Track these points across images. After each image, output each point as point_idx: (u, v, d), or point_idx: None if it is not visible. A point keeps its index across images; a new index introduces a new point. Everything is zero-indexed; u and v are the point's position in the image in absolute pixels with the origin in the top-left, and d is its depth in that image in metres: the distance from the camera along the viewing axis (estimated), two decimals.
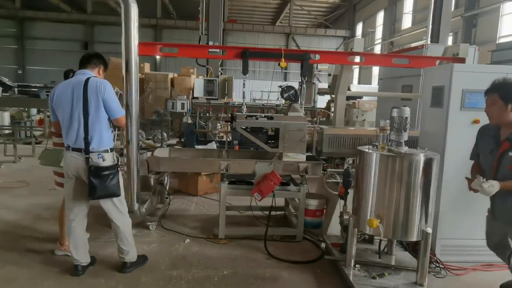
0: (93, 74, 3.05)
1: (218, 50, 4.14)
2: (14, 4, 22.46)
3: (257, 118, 4.11)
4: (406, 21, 19.60)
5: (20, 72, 23.17)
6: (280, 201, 4.45)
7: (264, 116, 4.14)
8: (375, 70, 20.48)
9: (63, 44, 24.18)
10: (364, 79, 23.21)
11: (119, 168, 3.05)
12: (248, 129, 4.12)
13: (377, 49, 22.01)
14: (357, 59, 4.25)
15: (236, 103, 7.97)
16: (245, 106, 4.44)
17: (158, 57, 24.39)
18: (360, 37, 23.71)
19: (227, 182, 3.96)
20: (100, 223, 4.34)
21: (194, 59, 8.54)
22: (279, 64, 4.09)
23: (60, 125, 3.02)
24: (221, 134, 9.34)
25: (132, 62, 3.51)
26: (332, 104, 8.24)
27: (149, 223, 4.17)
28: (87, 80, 2.90)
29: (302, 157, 4.11)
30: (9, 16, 22.50)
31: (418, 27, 17.44)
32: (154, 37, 24.84)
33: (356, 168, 3.16)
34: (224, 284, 3.11)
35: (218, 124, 8.49)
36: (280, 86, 4.41)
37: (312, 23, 27.93)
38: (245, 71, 4.09)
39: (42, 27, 23.81)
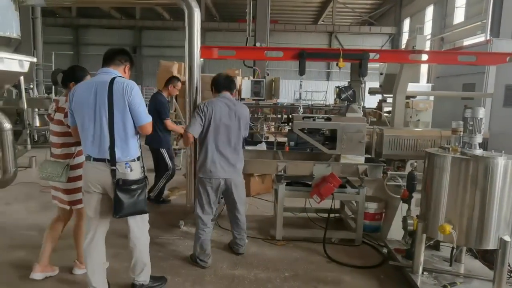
0: (118, 73, 2.66)
1: (275, 52, 4.14)
2: (70, 13, 23.95)
3: (314, 120, 4.07)
4: (458, 16, 18.58)
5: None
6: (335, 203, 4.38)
7: (322, 117, 4.09)
8: (423, 67, 19.60)
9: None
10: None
11: (147, 181, 2.72)
12: (305, 131, 4.09)
13: (427, 46, 21.05)
14: (420, 57, 4.09)
15: (285, 104, 7.95)
16: (301, 108, 4.41)
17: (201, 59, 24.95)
18: (408, 33, 22.83)
19: (285, 184, 3.95)
20: (161, 220, 4.52)
21: (239, 60, 8.64)
22: (337, 64, 4.03)
23: (79, 131, 2.65)
24: (267, 135, 9.39)
25: (195, 65, 3.60)
26: (384, 104, 8.00)
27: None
28: (112, 80, 2.52)
29: (360, 159, 4.02)
30: (66, 25, 24.04)
31: (472, 21, 16.47)
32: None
33: (424, 171, 3.03)
34: (287, 286, 3.11)
35: (265, 127, 8.53)
36: (338, 87, 4.34)
37: (355, 21, 27.28)
38: (302, 72, 4.07)
39: (95, 33, 25.18)
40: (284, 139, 8.32)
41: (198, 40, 3.58)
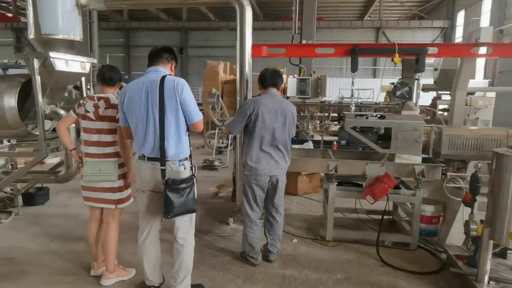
0: (167, 71, 2.64)
1: (326, 48, 4.05)
2: (122, 17, 25.13)
3: (367, 117, 3.93)
4: None
5: (126, 77, 25.89)
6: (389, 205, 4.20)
7: (375, 115, 3.94)
8: (479, 62, 18.33)
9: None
10: None
11: (195, 179, 2.68)
12: (357, 129, 3.96)
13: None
14: (483, 50, 3.81)
15: (332, 102, 7.78)
16: (353, 105, 4.28)
17: None
18: (462, 27, 21.50)
19: (336, 184, 3.86)
20: (210, 217, 4.60)
21: (285, 58, 8.57)
22: (392, 60, 3.85)
23: (132, 131, 2.65)
24: (312, 134, 9.26)
25: (246, 64, 3.60)
26: (438, 102, 7.59)
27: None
28: (162, 78, 2.50)
29: (417, 158, 3.83)
30: (118, 28, 25.25)
31: None
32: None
33: (491, 172, 2.81)
34: None
35: (310, 125, 8.40)
36: (392, 83, 4.15)
37: (404, 15, 26.14)
38: (354, 68, 3.94)
39: (144, 35, 26.24)
40: (331, 138, 8.16)
41: (249, 38, 3.58)
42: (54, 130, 3.91)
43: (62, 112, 3.86)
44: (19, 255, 3.51)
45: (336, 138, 7.53)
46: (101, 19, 21.95)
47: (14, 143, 4.39)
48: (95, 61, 4.10)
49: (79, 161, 2.99)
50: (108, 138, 2.94)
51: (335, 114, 8.78)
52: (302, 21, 9.94)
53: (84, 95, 4.27)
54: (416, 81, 4.14)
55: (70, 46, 3.74)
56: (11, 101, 3.57)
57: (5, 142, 4.32)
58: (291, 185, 5.63)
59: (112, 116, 2.92)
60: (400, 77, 4.17)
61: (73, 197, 5.23)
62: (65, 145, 3.29)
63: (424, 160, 3.89)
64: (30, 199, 4.70)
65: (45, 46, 3.56)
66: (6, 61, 15.69)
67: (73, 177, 3.98)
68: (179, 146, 2.57)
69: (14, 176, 3.85)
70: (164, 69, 2.64)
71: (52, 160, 5.86)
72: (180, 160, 2.58)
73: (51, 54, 3.45)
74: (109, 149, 2.95)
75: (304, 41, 9.26)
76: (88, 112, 2.92)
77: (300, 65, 9.36)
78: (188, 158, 2.64)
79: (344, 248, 3.79)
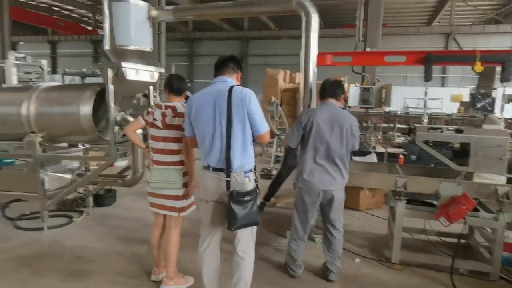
0: (234, 81, 2.64)
1: (396, 56, 3.80)
2: (187, 28, 26.36)
3: (442, 131, 3.60)
4: None
5: (189, 85, 27.05)
6: (458, 227, 3.77)
7: (451, 129, 3.60)
8: None
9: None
10: None
11: (258, 191, 2.63)
12: (430, 143, 3.64)
13: None
14: None
15: (398, 112, 7.35)
16: (426, 117, 3.96)
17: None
18: None
19: (405, 202, 3.57)
20: (267, 228, 4.51)
21: (346, 66, 8.29)
22: (472, 69, 3.50)
23: (198, 141, 2.66)
24: (374, 145, 8.82)
25: (310, 73, 3.49)
26: None
27: (315, 236, 4.11)
28: (230, 89, 2.49)
29: (500, 178, 3.42)
30: (183, 38, 26.51)
31: None
32: None
33: None
34: None
35: (373, 137, 8.02)
36: (472, 94, 3.78)
37: (478, 20, 24.22)
38: (428, 77, 3.64)
39: (207, 45, 27.25)
40: (395, 150, 7.70)
41: (315, 47, 3.46)
42: (123, 135, 4.10)
43: (131, 119, 4.02)
44: (88, 254, 3.71)
45: (401, 150, 7.08)
46: (168, 30, 23.25)
47: (88, 147, 4.70)
48: (163, 70, 4.26)
49: (150, 163, 3.09)
50: (174, 146, 2.99)
51: (401, 126, 8.29)
52: (367, 28, 9.59)
53: (152, 103, 4.46)
54: (496, 91, 3.73)
55: (141, 56, 3.91)
56: (87, 108, 3.82)
57: (80, 146, 4.63)
58: (352, 199, 5.37)
59: (178, 124, 2.98)
60: (475, 86, 3.78)
61: (137, 201, 5.47)
62: (137, 145, 3.42)
63: (509, 181, 3.46)
64: (99, 200, 4.99)
65: (119, 56, 3.76)
66: (84, 70, 17.23)
67: (138, 182, 4.14)
68: (244, 158, 2.53)
69: (87, 178, 4.10)
70: (231, 79, 2.63)
71: (120, 163, 6.20)
72: (245, 172, 2.54)
73: (123, 64, 3.63)
74: (175, 157, 3.00)
75: (368, 49, 8.92)
76: (156, 120, 3.00)
77: (363, 74, 9.03)
78: (253, 169, 2.60)
79: (411, 272, 3.48)
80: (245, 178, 2.53)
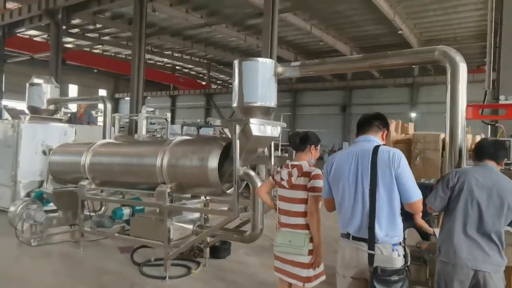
0: (380, 140, 2.42)
1: None
2: (291, 80, 27.42)
3: None
4: None
5: (290, 134, 27.59)
6: None
7: None
8: None
9: (324, 109, 27.17)
10: None
11: (408, 271, 2.27)
12: None
13: None
14: None
15: None
16: None
17: (414, 114, 23.49)
18: None
19: None
20: None
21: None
22: None
23: (336, 204, 2.45)
24: None
25: (459, 128, 3.03)
26: None
27: None
28: (375, 149, 2.28)
29: None
30: (287, 90, 27.51)
31: None
32: (410, 97, 24.24)
33: None
34: None
35: None
36: None
37: None
38: None
39: (309, 95, 27.78)
40: None
41: (463, 99, 3.02)
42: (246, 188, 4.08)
43: (252, 173, 4.02)
44: None
45: None
46: None
47: (208, 199, 4.81)
48: (284, 125, 4.23)
49: (277, 225, 2.94)
50: (299, 208, 2.81)
51: None
52: (499, 73, 8.51)
53: (272, 154, 4.46)
54: None
55: (266, 112, 3.95)
56: (213, 162, 3.93)
57: (202, 198, 4.77)
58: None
59: (304, 185, 2.81)
60: None
61: (250, 255, 5.34)
62: (269, 206, 3.31)
63: None
64: (215, 252, 4.99)
65: (246, 112, 3.85)
66: (199, 121, 18.89)
67: (257, 239, 4.01)
68: (391, 227, 2.23)
69: (209, 232, 4.15)
70: (376, 138, 2.42)
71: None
72: (394, 244, 2.21)
73: (251, 120, 3.68)
74: (300, 220, 2.81)
75: (502, 97, 7.80)
76: (283, 180, 2.89)
77: (497, 124, 7.86)
78: (402, 243, 2.24)
79: None
80: (394, 252, 2.20)
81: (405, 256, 2.24)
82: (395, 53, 3.28)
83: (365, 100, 26.02)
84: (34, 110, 7.01)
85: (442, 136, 10.45)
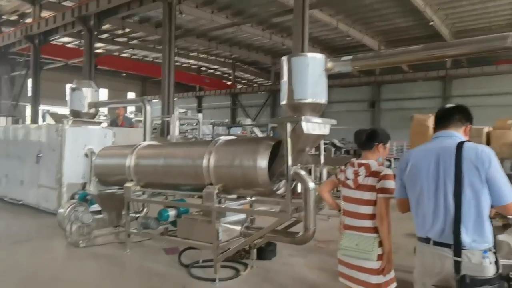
0: (461, 135, 2.20)
1: None
2: None
3: None
4: None
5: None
6: None
7: None
8: None
9: (352, 105, 26.66)
10: None
11: (502, 284, 2.07)
12: None
13: None
14: None
15: None
16: None
17: None
18: None
19: None
20: None
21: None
22: None
23: (411, 205, 2.28)
24: None
25: None
26: None
27: None
28: (459, 145, 2.07)
29: None
30: None
31: None
32: (442, 90, 23.41)
33: None
34: None
35: None
36: None
37: None
38: None
39: (336, 92, 27.26)
40: None
41: None
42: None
43: (303, 173, 3.90)
44: None
45: None
46: None
47: (254, 199, 4.73)
48: (335, 121, 4.08)
49: (341, 227, 2.80)
50: (366, 209, 2.66)
51: None
52: None
53: (322, 154, 4.31)
54: None
55: (316, 109, 3.82)
56: (263, 162, 3.84)
57: (248, 198, 4.69)
58: None
59: (372, 185, 2.65)
60: None
61: (295, 256, 5.23)
62: (331, 207, 3.15)
63: None
64: (262, 253, 4.90)
65: (295, 110, 3.73)
66: (227, 121, 18.96)
67: (309, 240, 3.89)
68: (479, 232, 2.03)
69: (260, 233, 4.06)
70: (459, 134, 2.22)
71: None
72: (485, 251, 2.00)
73: (303, 118, 3.56)
74: (366, 223, 2.65)
75: None
76: (348, 179, 2.74)
77: None
78: (492, 249, 2.04)
79: None
80: (484, 260, 1.99)
81: (496, 263, 2.03)
82: (458, 42, 3.08)
83: (395, 95, 25.34)
84: (76, 114, 7.16)
85: (485, 130, 9.97)
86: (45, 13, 16.72)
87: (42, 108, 15.33)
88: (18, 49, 18.52)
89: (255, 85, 33.01)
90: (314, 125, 3.75)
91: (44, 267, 4.79)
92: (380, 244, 2.59)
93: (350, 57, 3.74)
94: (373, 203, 2.63)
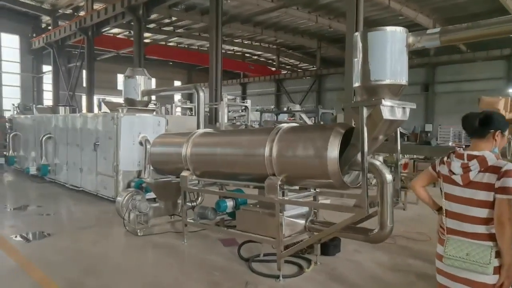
0: None
1: None
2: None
3: None
4: None
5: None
6: None
7: None
8: None
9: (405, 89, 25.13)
10: None
11: None
12: None
13: None
14: None
15: None
16: None
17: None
18: None
19: None
20: None
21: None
22: None
23: None
24: None
25: None
26: None
27: None
28: None
29: None
30: None
31: None
32: (506, 71, 21.38)
33: None
34: None
35: None
36: None
37: None
38: None
39: None
40: None
41: None
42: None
43: (378, 163, 3.50)
44: None
45: None
46: None
47: (317, 191, 4.37)
48: (414, 105, 3.60)
49: (441, 230, 2.38)
50: (479, 212, 2.19)
51: None
52: None
53: (398, 142, 3.85)
54: None
55: (395, 92, 3.37)
56: (334, 151, 3.47)
57: (311, 190, 4.35)
58: None
59: (488, 183, 2.15)
60: None
61: (360, 252, 4.84)
62: (427, 204, 2.62)
63: None
64: (325, 248, 4.57)
65: (371, 93, 3.29)
66: (272, 107, 18.58)
67: (386, 239, 3.49)
68: None
69: (331, 229, 3.71)
70: None
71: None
72: None
73: (383, 101, 3.13)
74: (480, 228, 2.19)
75: None
76: (454, 174, 2.27)
77: None
78: None
79: None
80: None
81: None
82: None
83: (451, 77, 23.54)
84: (131, 102, 7.16)
85: None
86: (97, 6, 17.16)
87: (96, 97, 15.84)
88: (73, 41, 19.23)
89: (299, 70, 32.19)
90: (393, 110, 3.31)
91: (105, 256, 4.79)
92: (497, 254, 2.14)
93: (438, 29, 3.22)
94: (489, 205, 2.16)
